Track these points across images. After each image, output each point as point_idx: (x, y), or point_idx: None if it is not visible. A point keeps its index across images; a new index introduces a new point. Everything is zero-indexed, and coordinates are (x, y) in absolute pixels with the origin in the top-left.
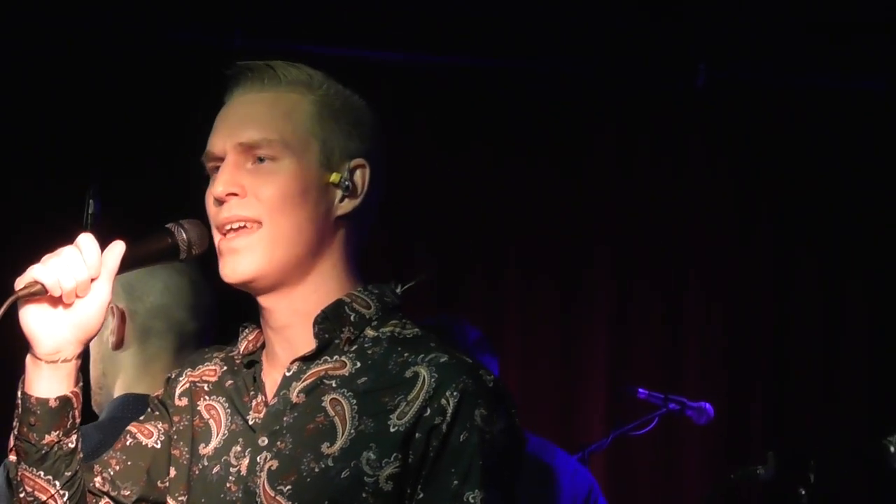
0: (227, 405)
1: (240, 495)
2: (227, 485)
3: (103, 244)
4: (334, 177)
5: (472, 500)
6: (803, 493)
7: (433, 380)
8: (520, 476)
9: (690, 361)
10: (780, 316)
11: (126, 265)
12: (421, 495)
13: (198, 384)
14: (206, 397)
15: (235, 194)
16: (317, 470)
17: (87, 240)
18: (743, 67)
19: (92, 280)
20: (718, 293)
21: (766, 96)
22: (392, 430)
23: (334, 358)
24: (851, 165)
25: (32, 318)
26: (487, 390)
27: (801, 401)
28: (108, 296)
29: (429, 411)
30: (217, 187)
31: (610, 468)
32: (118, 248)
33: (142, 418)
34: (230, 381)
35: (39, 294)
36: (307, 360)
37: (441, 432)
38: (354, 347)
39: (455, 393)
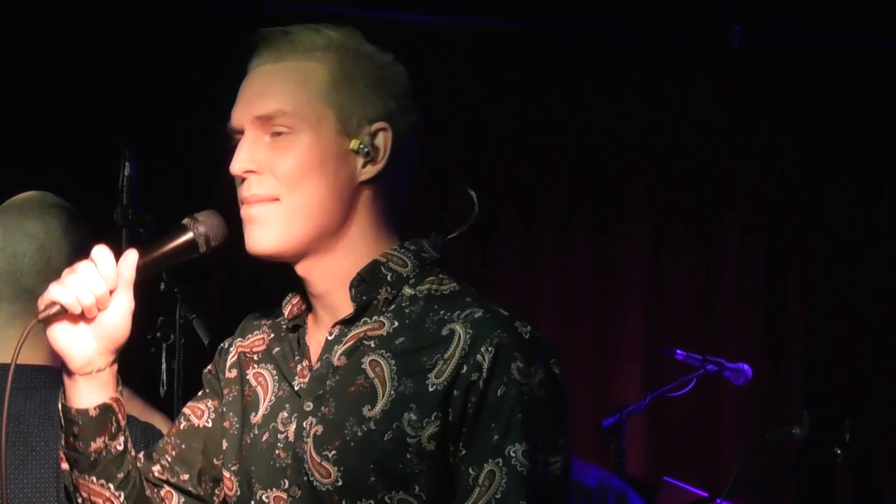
0: (274, 372)
1: (289, 461)
2: (277, 451)
3: (139, 207)
4: (353, 143)
5: (513, 454)
6: (839, 452)
7: (468, 336)
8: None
9: (727, 320)
10: (817, 277)
11: (146, 268)
12: (463, 452)
13: (247, 354)
14: (255, 366)
15: (252, 171)
16: (360, 434)
17: (101, 252)
18: (778, 28)
19: (111, 292)
20: (755, 249)
21: (800, 56)
22: (431, 389)
23: (373, 319)
24: (886, 122)
25: (59, 337)
26: (524, 343)
27: (838, 361)
28: (130, 304)
29: (465, 368)
30: (234, 165)
31: (647, 429)
32: (132, 256)
33: (196, 397)
34: (277, 348)
35: (60, 314)
36: (347, 322)
37: (478, 388)
38: (392, 307)
39: (490, 348)
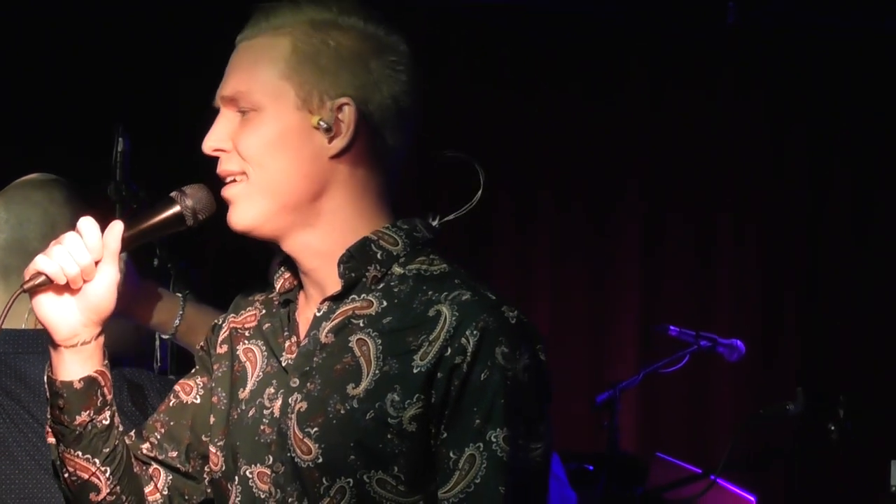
0: (263, 347)
1: (274, 437)
2: (262, 427)
3: (133, 183)
4: (314, 119)
5: (493, 439)
6: (833, 428)
7: (454, 318)
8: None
9: (722, 298)
10: (812, 252)
11: (133, 240)
12: (445, 435)
13: (239, 330)
14: (246, 342)
15: (221, 149)
16: (342, 412)
17: (87, 223)
18: (772, 5)
19: (96, 263)
20: (750, 230)
21: (794, 34)
22: (415, 370)
23: (361, 297)
24: (884, 103)
25: (45, 307)
26: (510, 327)
27: (831, 337)
28: (115, 275)
29: (450, 350)
30: (204, 143)
31: (640, 405)
32: (117, 227)
33: (187, 374)
34: (267, 324)
35: (45, 284)
36: (336, 299)
37: (462, 371)
38: (381, 286)
39: (475, 331)
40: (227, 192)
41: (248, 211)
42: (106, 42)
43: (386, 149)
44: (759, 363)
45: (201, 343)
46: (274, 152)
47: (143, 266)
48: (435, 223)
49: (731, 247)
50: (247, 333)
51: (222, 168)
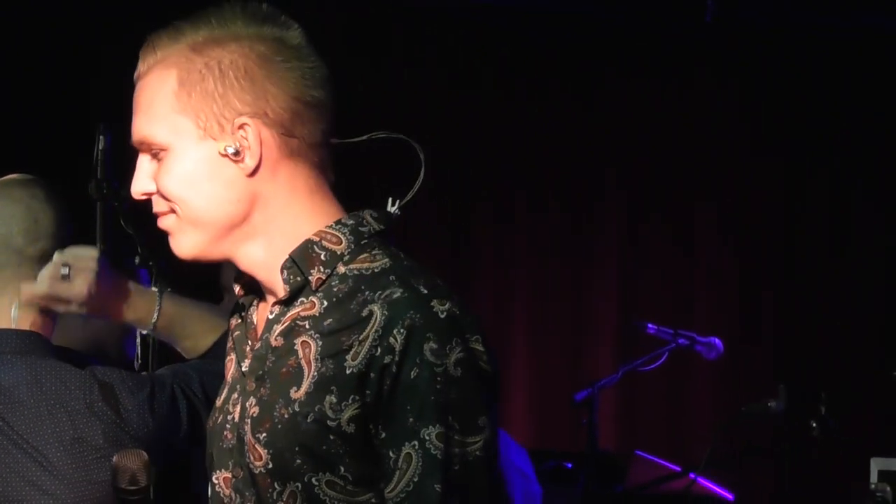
0: (234, 353)
1: (234, 443)
2: (225, 432)
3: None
4: (219, 146)
5: (427, 437)
6: (814, 425)
7: (384, 318)
8: (494, 403)
9: (700, 296)
10: (790, 249)
11: None
12: (382, 435)
13: (231, 338)
14: (231, 352)
15: (147, 193)
16: (286, 416)
17: None
18: (750, 3)
19: None
20: (728, 227)
21: (772, 31)
22: (348, 371)
23: (308, 299)
24: (859, 100)
25: None
26: (438, 322)
27: (812, 334)
28: None
29: (379, 350)
30: (131, 190)
31: (619, 403)
32: None
33: None
34: (238, 332)
35: None
36: (285, 303)
37: (392, 371)
38: (324, 286)
39: (402, 329)
40: (161, 223)
41: (185, 242)
42: (87, 39)
43: (304, 147)
44: (737, 361)
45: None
46: (191, 188)
47: (121, 264)
48: (394, 209)
49: (709, 244)
50: (231, 343)
51: (154, 209)
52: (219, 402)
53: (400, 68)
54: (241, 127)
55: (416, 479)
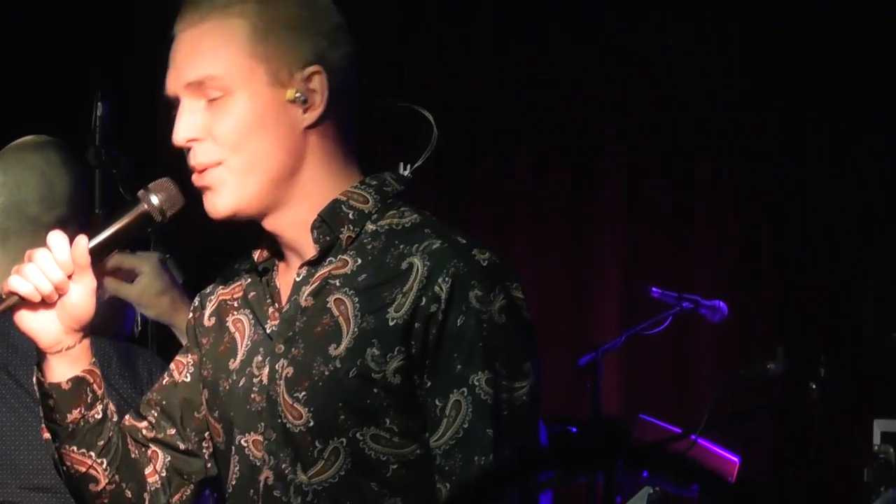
0: (250, 316)
1: (264, 405)
2: (252, 395)
3: (113, 148)
4: (289, 93)
5: (476, 383)
6: (814, 387)
7: (426, 268)
8: (535, 350)
9: (703, 259)
10: (792, 211)
11: (101, 249)
12: (428, 384)
13: (228, 302)
14: (235, 312)
15: (194, 139)
16: (326, 373)
17: (57, 239)
18: None
19: (69, 276)
20: (730, 189)
21: None
22: (391, 323)
23: (338, 258)
24: (865, 45)
25: (26, 322)
26: (481, 270)
27: (812, 296)
28: (91, 283)
29: (424, 300)
30: (175, 136)
31: (623, 367)
32: (82, 242)
33: (181, 350)
34: (253, 293)
35: (20, 304)
36: (313, 263)
37: (438, 320)
38: (355, 244)
39: (447, 278)
40: (202, 180)
41: (229, 196)
42: (85, 6)
43: (347, 110)
44: (740, 324)
45: (190, 316)
46: (252, 133)
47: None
48: (406, 173)
49: (711, 208)
50: (235, 304)
51: (197, 160)
52: (234, 365)
53: (397, 23)
54: (310, 77)
55: (465, 426)
